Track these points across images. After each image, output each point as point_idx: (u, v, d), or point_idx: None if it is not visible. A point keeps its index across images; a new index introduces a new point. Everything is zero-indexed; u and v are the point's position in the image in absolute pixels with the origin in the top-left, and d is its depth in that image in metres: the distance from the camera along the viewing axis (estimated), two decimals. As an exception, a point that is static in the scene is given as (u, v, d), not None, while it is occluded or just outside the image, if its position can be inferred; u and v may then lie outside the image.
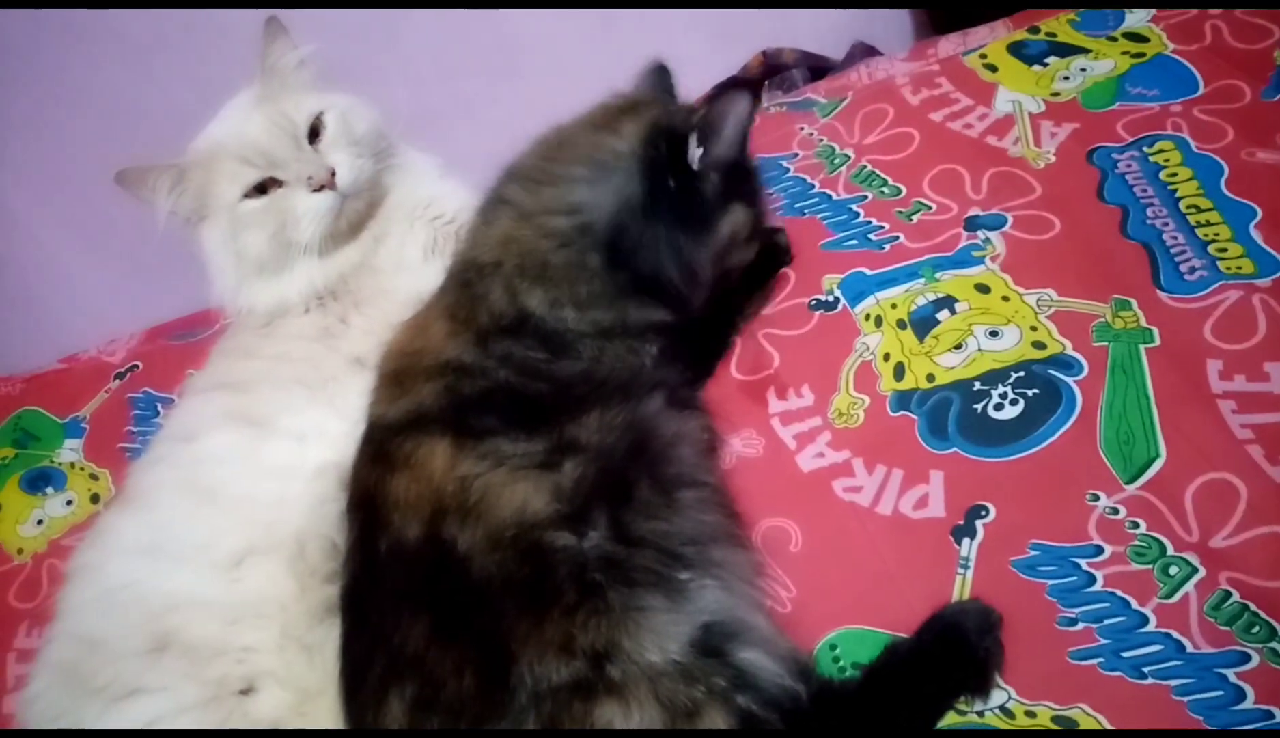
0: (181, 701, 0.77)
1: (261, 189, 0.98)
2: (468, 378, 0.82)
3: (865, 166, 1.08)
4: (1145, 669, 0.67)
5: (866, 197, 1.05)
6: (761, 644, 0.68)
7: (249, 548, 0.84)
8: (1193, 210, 0.90)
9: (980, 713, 0.68)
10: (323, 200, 0.98)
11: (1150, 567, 0.70)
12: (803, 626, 0.75)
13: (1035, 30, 1.18)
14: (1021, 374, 0.83)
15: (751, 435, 0.89)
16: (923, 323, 0.90)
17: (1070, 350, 0.83)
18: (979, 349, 0.86)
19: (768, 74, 1.71)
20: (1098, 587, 0.71)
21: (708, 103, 0.88)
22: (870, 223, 1.01)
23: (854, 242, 1.00)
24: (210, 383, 1.00)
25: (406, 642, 0.69)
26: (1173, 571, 0.70)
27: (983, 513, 0.77)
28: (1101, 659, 0.68)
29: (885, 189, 1.05)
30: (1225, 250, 0.85)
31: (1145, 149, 0.96)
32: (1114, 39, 1.11)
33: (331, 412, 0.91)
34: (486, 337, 0.85)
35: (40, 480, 1.21)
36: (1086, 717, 0.66)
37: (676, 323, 0.88)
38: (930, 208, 1.00)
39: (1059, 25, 1.17)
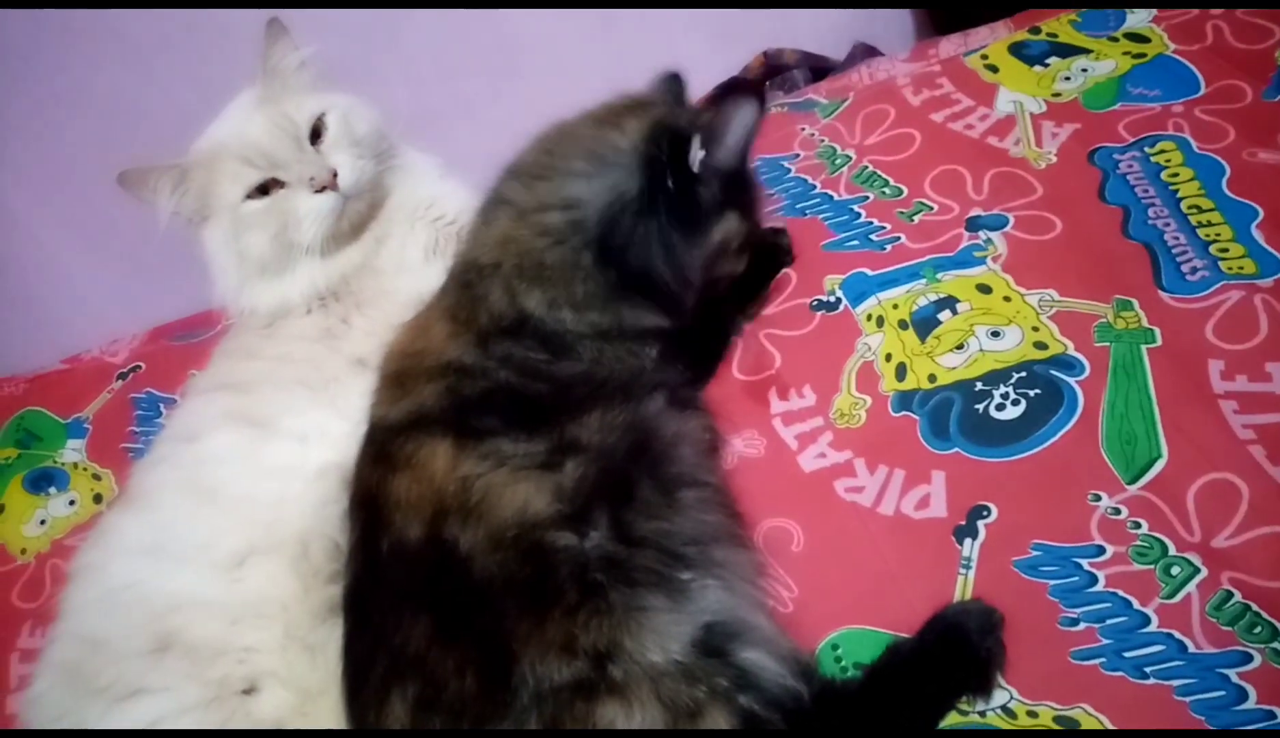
0: (184, 701, 0.77)
1: (263, 190, 0.98)
2: (469, 379, 0.82)
3: (867, 167, 1.08)
4: (1147, 669, 0.67)
5: (868, 197, 1.05)
6: (763, 644, 0.69)
7: (251, 548, 0.84)
8: (1194, 211, 0.90)
9: (982, 713, 0.68)
10: (324, 201, 0.98)
11: (1152, 567, 0.70)
12: (804, 626, 0.75)
13: (1036, 31, 1.18)
14: (1023, 374, 0.83)
15: (753, 436, 0.89)
16: (924, 323, 0.90)
17: (1072, 351, 0.83)
18: (980, 349, 0.86)
19: (769, 74, 1.71)
20: (1099, 587, 0.71)
21: (714, 106, 0.88)
22: (872, 223, 1.01)
23: (855, 242, 1.00)
24: (212, 383, 1.00)
25: (408, 642, 0.69)
26: (1174, 571, 0.70)
27: (984, 513, 0.77)
28: (1103, 659, 0.68)
29: (887, 190, 1.05)
30: (1227, 251, 0.85)
31: (1146, 149, 0.96)
32: (1115, 39, 1.11)
33: (333, 412, 0.91)
34: (487, 338, 0.85)
35: (43, 480, 1.21)
36: (1088, 717, 0.66)
37: (672, 328, 0.88)
38: (932, 208, 1.00)
39: (1060, 26, 1.17)
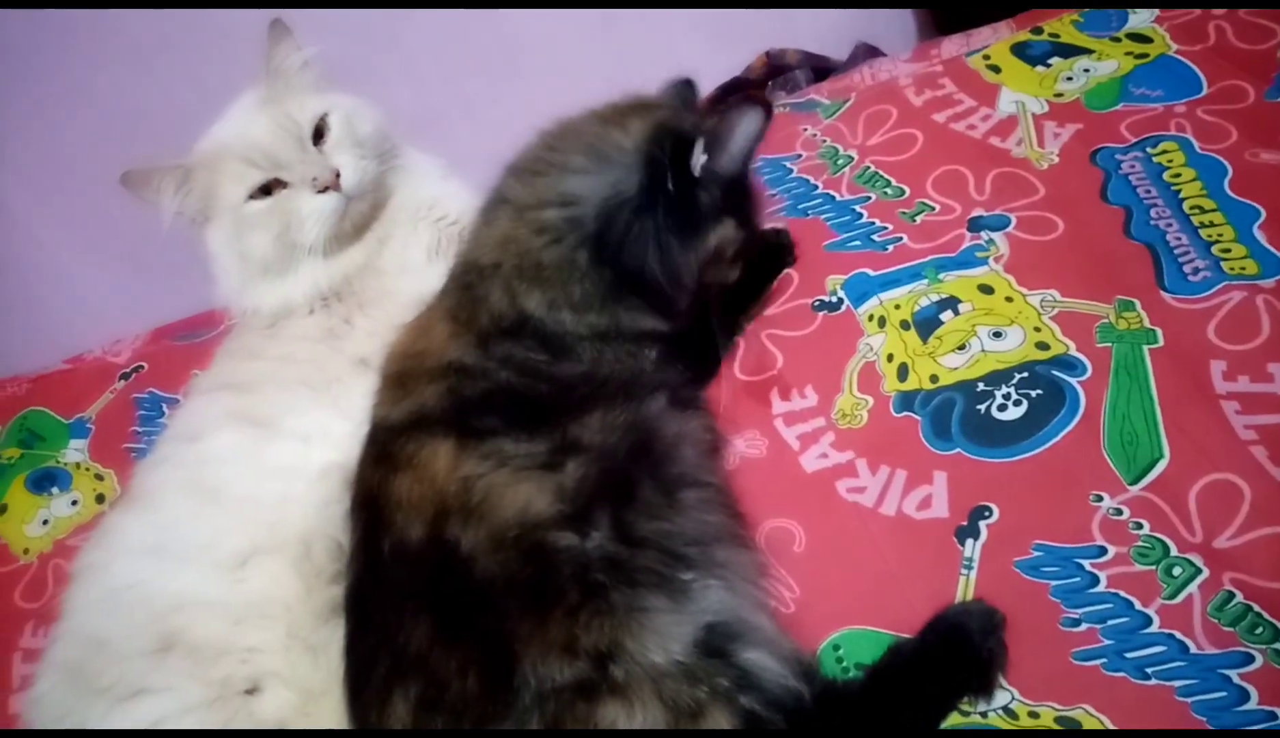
0: (186, 701, 0.77)
1: (266, 190, 0.99)
2: (469, 379, 0.82)
3: (869, 167, 1.08)
4: (1149, 670, 0.67)
5: (870, 197, 1.05)
6: (765, 645, 0.69)
7: (253, 548, 0.84)
8: (1196, 211, 0.89)
9: (983, 714, 0.68)
10: (327, 202, 0.98)
11: (1154, 568, 0.70)
12: (806, 626, 0.75)
13: (1038, 31, 1.18)
14: (1025, 375, 0.83)
15: (755, 436, 0.89)
16: (926, 324, 0.90)
17: (1074, 351, 0.83)
18: (982, 350, 0.86)
19: (771, 75, 1.71)
20: (1101, 588, 0.71)
21: (720, 112, 0.88)
22: (874, 224, 1.01)
23: (857, 242, 1.00)
24: (215, 384, 1.00)
25: (410, 642, 0.69)
26: (1176, 571, 0.70)
27: (986, 514, 0.77)
28: (1105, 660, 0.68)
29: (889, 190, 1.05)
30: (1229, 251, 0.85)
31: (1149, 150, 0.96)
32: (1117, 40, 1.11)
33: (336, 413, 0.92)
34: (487, 338, 0.85)
35: (46, 481, 1.22)
36: (1090, 718, 0.66)
37: (670, 331, 0.88)
38: (933, 209, 1.00)
39: (1062, 26, 1.17)
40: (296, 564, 0.84)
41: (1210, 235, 0.87)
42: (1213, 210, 0.89)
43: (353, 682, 0.74)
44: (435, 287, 0.95)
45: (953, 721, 0.69)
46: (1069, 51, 1.12)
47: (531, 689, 0.65)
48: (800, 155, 1.15)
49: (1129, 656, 0.67)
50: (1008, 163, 1.01)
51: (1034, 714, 0.67)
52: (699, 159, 0.86)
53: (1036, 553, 0.74)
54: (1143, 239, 0.89)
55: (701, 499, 0.77)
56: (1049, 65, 1.11)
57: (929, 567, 0.76)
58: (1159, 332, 0.82)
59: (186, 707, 0.77)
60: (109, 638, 0.81)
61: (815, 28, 1.75)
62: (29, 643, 1.03)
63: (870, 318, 0.92)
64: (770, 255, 0.99)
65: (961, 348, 0.86)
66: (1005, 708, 0.68)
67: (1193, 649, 0.67)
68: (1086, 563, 0.72)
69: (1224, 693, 0.64)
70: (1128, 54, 1.08)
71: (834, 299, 0.96)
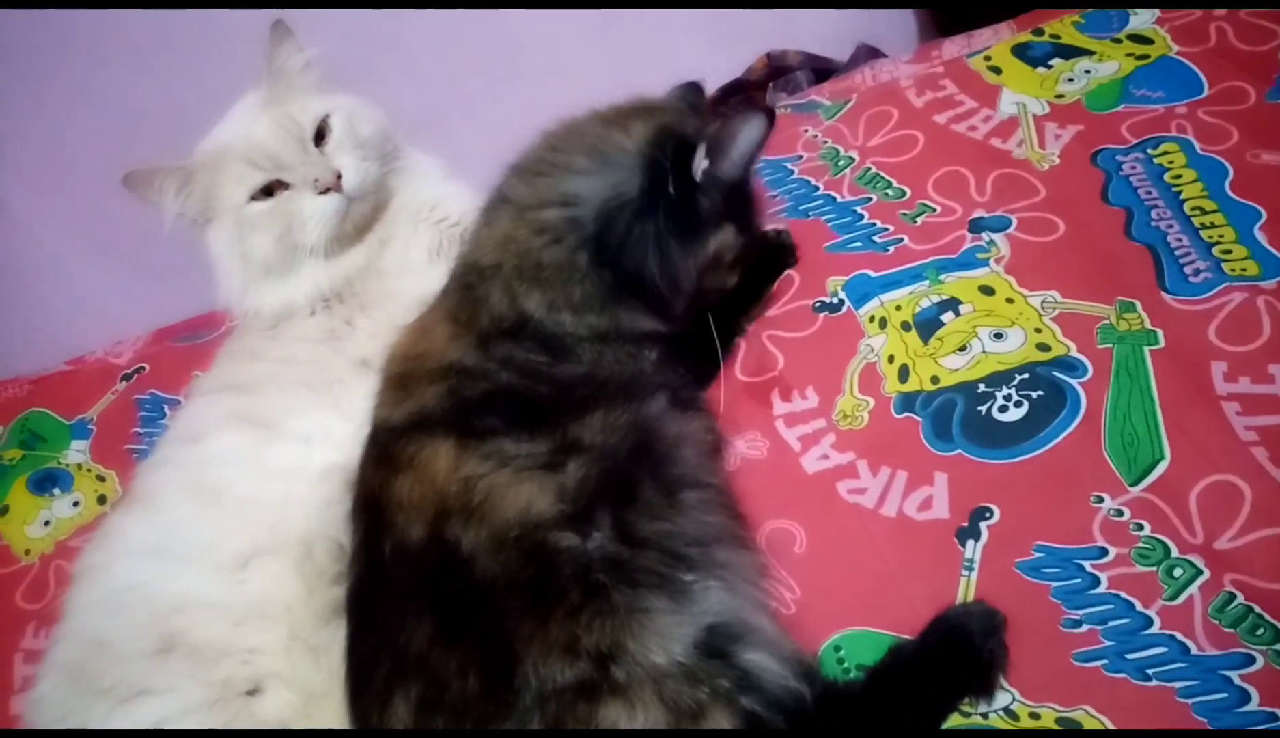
0: (187, 702, 0.77)
1: (268, 191, 0.99)
2: (470, 380, 0.82)
3: (870, 169, 1.08)
4: (1149, 671, 0.67)
5: (871, 199, 1.05)
6: (766, 646, 0.69)
7: (255, 549, 0.84)
8: (1197, 212, 0.90)
9: (984, 715, 0.68)
10: (329, 203, 0.98)
11: (1155, 569, 0.70)
12: (807, 627, 0.75)
13: (1039, 32, 1.18)
14: (1026, 376, 0.83)
15: (756, 437, 0.89)
16: (927, 325, 0.90)
17: (1075, 352, 0.83)
18: (983, 351, 0.86)
19: (772, 76, 1.71)
20: (1102, 589, 0.71)
21: (724, 118, 0.88)
22: (874, 225, 1.01)
23: (858, 244, 1.00)
24: (216, 385, 1.01)
25: (411, 643, 0.69)
26: (1177, 573, 0.70)
27: (987, 515, 0.77)
28: (1106, 661, 0.68)
29: (890, 191, 1.05)
30: (1230, 252, 0.85)
31: (1150, 151, 0.96)
32: (1118, 41, 1.11)
33: (337, 414, 0.92)
34: (488, 340, 0.85)
35: (47, 482, 1.22)
36: (1090, 719, 0.66)
37: (669, 333, 0.88)
38: (934, 210, 1.00)
39: (1063, 27, 1.17)
40: (298, 565, 0.84)
41: (1211, 236, 0.87)
42: (1214, 211, 0.89)
43: (354, 683, 0.74)
44: (436, 288, 0.95)
45: (954, 721, 0.69)
46: (1070, 53, 1.12)
47: (532, 690, 0.65)
48: (801, 156, 1.15)
49: (1130, 657, 0.68)
50: (1009, 164, 1.01)
51: (1035, 715, 0.67)
52: (700, 164, 0.86)
53: (1037, 554, 0.74)
54: (1144, 240, 0.89)
55: (702, 500, 0.77)
56: (1050, 66, 1.11)
57: (930, 568, 0.76)
58: (1160, 333, 0.82)
59: (188, 708, 0.77)
60: (110, 639, 0.81)
61: (816, 29, 1.75)
62: (30, 644, 1.03)
63: (871, 319, 0.92)
64: (771, 256, 0.99)
65: (962, 349, 0.86)
66: (1006, 709, 0.68)
67: (1194, 651, 0.67)
68: (1087, 564, 0.72)
69: (1225, 694, 0.64)
70: (1129, 55, 1.08)
71: (835, 300, 0.96)
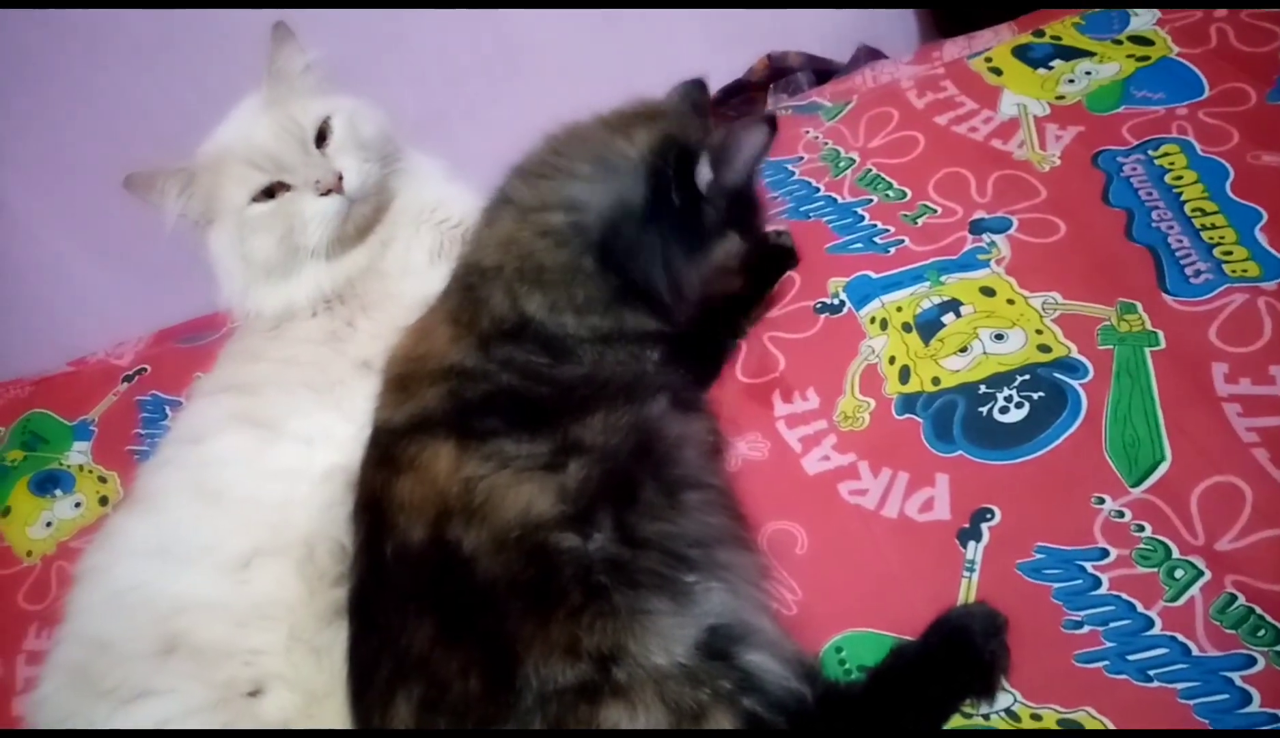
0: (190, 703, 0.77)
1: (269, 193, 0.99)
2: (471, 382, 0.82)
3: (870, 170, 1.09)
4: (1151, 672, 0.67)
5: (872, 200, 1.05)
6: (767, 647, 0.69)
7: (256, 550, 0.85)
8: (1198, 214, 0.90)
9: (986, 716, 0.68)
10: (330, 204, 0.98)
11: (1156, 570, 0.70)
12: (808, 628, 0.75)
13: (1040, 34, 1.18)
14: (1027, 377, 0.83)
15: (757, 438, 0.89)
16: (928, 326, 0.90)
17: (1075, 353, 0.83)
18: (984, 352, 0.86)
19: (773, 77, 1.71)
20: (1103, 590, 0.71)
21: (727, 127, 0.88)
22: (875, 226, 1.01)
23: (859, 245, 1.00)
24: (218, 386, 1.01)
25: (413, 644, 0.69)
26: (1178, 574, 0.70)
27: (988, 516, 0.77)
28: (1107, 662, 0.68)
29: (890, 192, 1.05)
30: (1230, 253, 0.85)
31: (1150, 152, 0.96)
32: (1119, 42, 1.11)
33: (338, 415, 0.92)
34: (488, 341, 0.85)
35: (49, 483, 1.22)
36: (1092, 720, 0.66)
37: (673, 333, 0.88)
38: (935, 211, 1.00)
39: (1064, 29, 1.17)
40: (299, 567, 0.84)
41: (1212, 238, 0.87)
42: (1214, 213, 0.89)
43: (355, 684, 0.74)
44: (438, 289, 0.95)
45: (955, 722, 0.69)
46: (1070, 54, 1.12)
47: (533, 691, 0.65)
48: (802, 158, 1.15)
49: (1131, 658, 0.68)
50: (1009, 165, 1.02)
51: (1036, 717, 0.67)
52: (704, 174, 0.86)
53: (1038, 555, 0.74)
54: (1144, 241, 0.89)
55: (704, 501, 0.77)
56: (1050, 68, 1.11)
57: (931, 569, 0.76)
58: (1161, 334, 0.82)
59: (190, 709, 0.77)
60: (113, 640, 0.81)
61: (817, 30, 1.75)
62: (33, 645, 1.03)
63: (872, 320, 0.92)
64: (772, 258, 1.00)
65: (963, 350, 0.87)
66: (1007, 710, 0.68)
67: (1195, 652, 0.67)
68: (1088, 565, 0.72)
69: (1226, 696, 0.64)
70: (1129, 56, 1.08)
71: (836, 301, 0.96)
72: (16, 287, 1.74)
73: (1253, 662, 0.65)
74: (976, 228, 0.96)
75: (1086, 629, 0.69)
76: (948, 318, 0.89)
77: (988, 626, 0.70)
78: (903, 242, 0.98)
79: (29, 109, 1.62)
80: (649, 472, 0.75)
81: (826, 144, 1.16)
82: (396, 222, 1.06)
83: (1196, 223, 0.89)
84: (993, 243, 0.94)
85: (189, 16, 1.56)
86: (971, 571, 0.75)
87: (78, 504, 1.19)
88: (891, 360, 0.89)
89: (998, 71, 1.14)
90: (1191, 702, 0.65)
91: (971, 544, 0.76)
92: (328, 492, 0.87)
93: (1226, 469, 0.73)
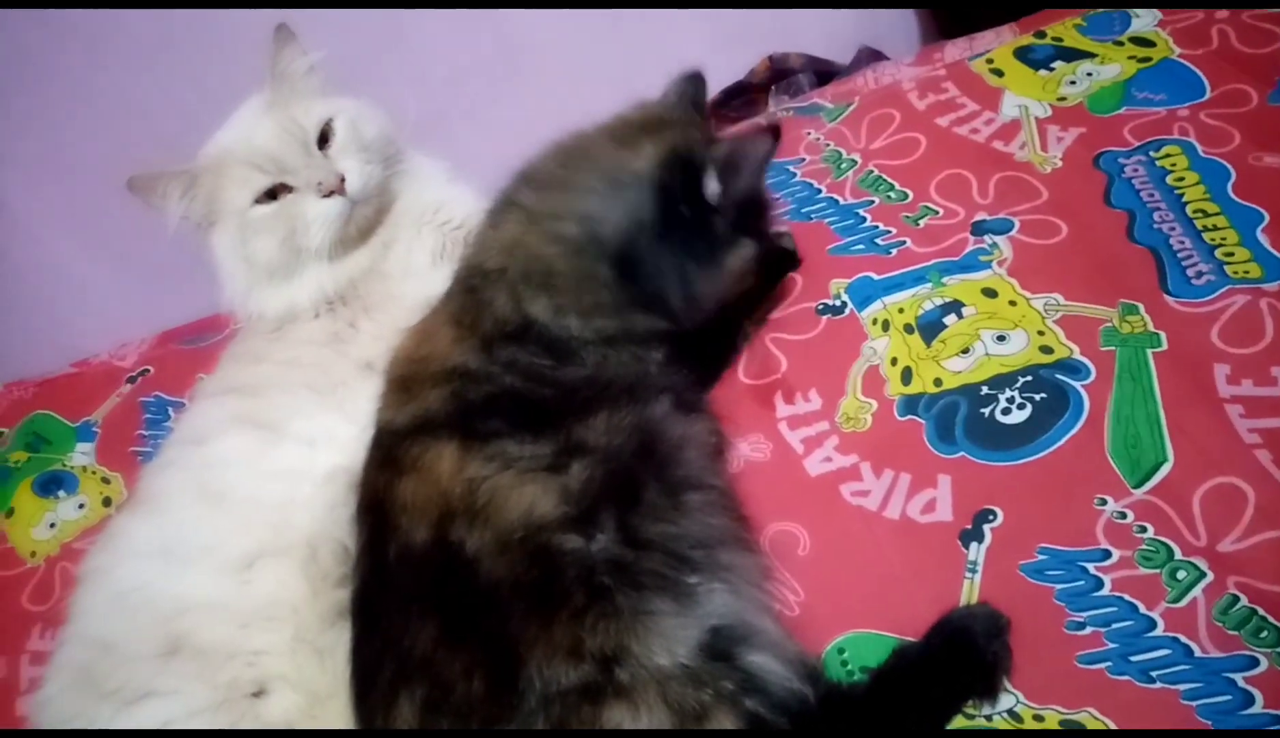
0: (193, 704, 0.77)
1: (272, 195, 0.99)
2: (473, 384, 0.82)
3: (872, 171, 1.09)
4: (1153, 674, 0.67)
5: (873, 201, 1.05)
6: (770, 648, 0.69)
7: (260, 551, 0.85)
8: (1199, 215, 0.90)
9: (988, 717, 0.68)
10: (332, 206, 0.98)
11: (1158, 571, 0.70)
12: (811, 629, 0.75)
13: (1041, 35, 1.18)
14: (1029, 378, 0.83)
15: (759, 439, 0.89)
16: (930, 327, 0.90)
17: (1077, 355, 0.83)
18: (986, 353, 0.86)
19: (774, 78, 1.72)
20: (1105, 591, 0.71)
21: (732, 139, 0.87)
22: (877, 227, 1.01)
23: (861, 246, 1.00)
24: (221, 387, 1.01)
25: (416, 645, 0.69)
26: (1181, 575, 0.70)
27: (990, 517, 0.77)
28: (1109, 663, 0.68)
29: (892, 194, 1.05)
30: (1232, 255, 0.86)
31: (1152, 153, 0.96)
32: (1120, 44, 1.11)
33: (341, 416, 0.92)
34: (491, 343, 0.85)
35: (52, 484, 1.22)
36: (1094, 721, 0.66)
37: (680, 332, 0.88)
38: (937, 212, 1.00)
39: (1065, 30, 1.17)
40: (303, 567, 0.84)
41: (1213, 239, 0.87)
42: (1216, 214, 0.89)
43: (359, 685, 0.74)
44: (440, 291, 0.95)
45: (958, 723, 0.69)
46: (1072, 55, 1.12)
47: (537, 692, 0.65)
48: (804, 159, 1.16)
49: (1133, 659, 0.68)
50: (1011, 167, 1.02)
51: (1039, 717, 0.67)
52: (711, 187, 0.86)
53: (1041, 556, 0.74)
54: (1146, 243, 0.89)
55: (706, 502, 0.77)
56: (1052, 69, 1.11)
57: (933, 570, 0.76)
58: (1162, 335, 0.82)
59: (193, 710, 0.77)
60: (116, 641, 0.81)
61: (819, 31, 1.75)
62: (36, 646, 1.04)
63: (874, 321, 0.92)
64: (775, 260, 1.00)
65: (965, 351, 0.87)
66: (1010, 711, 0.68)
67: (1197, 653, 0.67)
68: (1091, 566, 0.72)
69: (1229, 697, 0.64)
70: (1130, 58, 1.08)
71: (838, 303, 0.96)
72: (19, 288, 1.74)
73: (1255, 663, 0.65)
74: (978, 229, 0.96)
75: (1089, 630, 0.69)
76: (950, 319, 0.90)
77: (990, 627, 0.70)
78: (904, 243, 0.98)
79: (31, 110, 1.62)
80: (652, 473, 0.76)
81: (828, 146, 1.16)
82: (398, 223, 1.06)
83: (1198, 224, 0.89)
84: (994, 244, 0.94)
85: (190, 17, 1.57)
86: (974, 572, 0.75)
87: (81, 505, 1.19)
88: (893, 362, 0.89)
89: (999, 73, 1.14)
90: (1194, 703, 0.65)
91: (974, 545, 0.76)
92: (330, 493, 0.87)
93: (1229, 470, 0.73)
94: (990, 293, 0.90)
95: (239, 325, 1.08)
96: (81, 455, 1.25)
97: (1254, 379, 0.77)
